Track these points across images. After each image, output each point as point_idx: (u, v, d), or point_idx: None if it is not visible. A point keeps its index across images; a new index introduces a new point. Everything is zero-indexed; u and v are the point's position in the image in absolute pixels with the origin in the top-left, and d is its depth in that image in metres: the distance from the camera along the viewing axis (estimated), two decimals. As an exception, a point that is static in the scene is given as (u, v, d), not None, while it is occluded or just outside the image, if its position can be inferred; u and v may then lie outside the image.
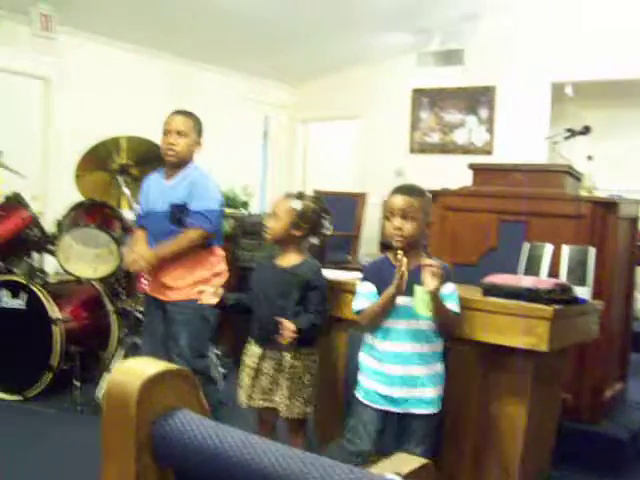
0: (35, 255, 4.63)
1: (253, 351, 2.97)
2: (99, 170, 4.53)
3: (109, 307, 4.66)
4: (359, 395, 2.67)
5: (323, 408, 3.03)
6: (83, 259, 4.47)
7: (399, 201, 2.60)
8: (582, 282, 2.96)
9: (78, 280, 4.58)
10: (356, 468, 0.92)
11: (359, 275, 2.83)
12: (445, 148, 8.00)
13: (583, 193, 3.90)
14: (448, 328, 2.58)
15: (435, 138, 8.08)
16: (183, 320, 3.53)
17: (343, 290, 2.97)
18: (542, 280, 2.79)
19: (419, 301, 2.52)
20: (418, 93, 8.16)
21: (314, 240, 3.04)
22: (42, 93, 6.38)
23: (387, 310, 2.56)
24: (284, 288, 2.89)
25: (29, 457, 3.42)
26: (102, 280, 4.64)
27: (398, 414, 2.58)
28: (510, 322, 2.58)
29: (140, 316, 4.52)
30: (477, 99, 7.78)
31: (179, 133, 3.54)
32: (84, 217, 4.57)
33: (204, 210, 3.50)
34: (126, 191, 4.40)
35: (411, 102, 8.20)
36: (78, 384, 4.20)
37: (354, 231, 7.07)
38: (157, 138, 3.71)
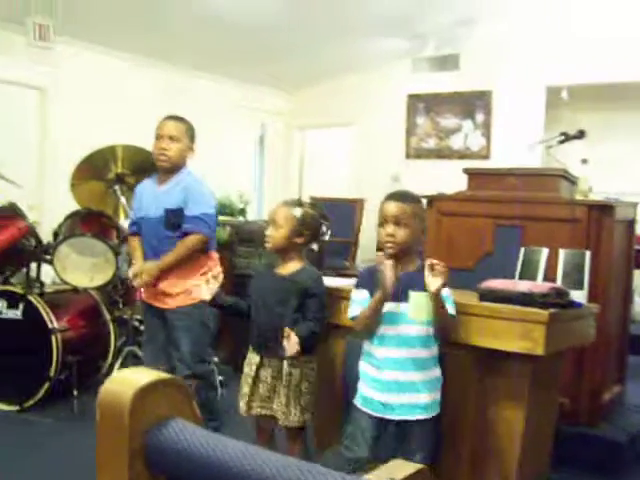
0: (32, 265, 4.63)
1: (252, 359, 2.97)
2: (95, 179, 4.54)
3: (107, 316, 4.66)
4: (357, 402, 2.67)
5: (321, 415, 3.03)
6: (80, 268, 4.47)
7: (392, 208, 2.60)
8: (578, 286, 2.97)
9: (75, 289, 4.58)
10: (350, 476, 0.92)
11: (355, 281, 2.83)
12: (441, 153, 8.00)
13: (579, 197, 3.90)
14: (446, 331, 2.58)
15: (431, 143, 8.09)
16: (183, 326, 3.54)
17: (340, 297, 2.96)
18: (538, 284, 2.79)
19: (414, 306, 2.53)
20: (414, 98, 8.17)
21: (314, 246, 3.04)
22: (38, 103, 6.39)
23: (378, 315, 2.56)
24: (283, 295, 2.89)
25: (26, 467, 3.41)
26: (99, 289, 4.65)
27: (395, 420, 2.58)
28: (506, 326, 2.58)
29: (138, 325, 4.53)
30: (473, 104, 7.79)
31: (171, 138, 3.55)
32: (80, 226, 4.57)
33: (201, 214, 3.52)
34: (122, 200, 4.41)
35: (407, 108, 8.21)
36: (76, 393, 4.19)
37: (352, 237, 7.07)
38: (153, 144, 3.71)
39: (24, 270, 4.54)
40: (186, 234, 3.52)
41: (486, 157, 7.61)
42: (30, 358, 4.24)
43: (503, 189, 3.78)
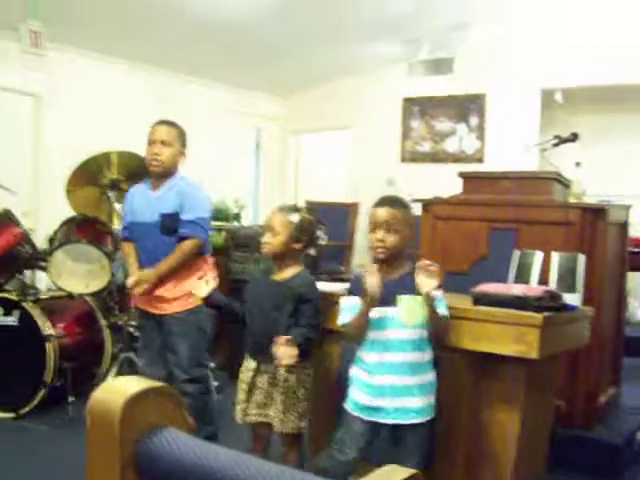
0: (27, 272, 4.63)
1: (248, 366, 2.97)
2: (90, 185, 4.54)
3: (102, 322, 4.65)
4: (348, 407, 2.67)
5: (317, 421, 3.03)
6: (75, 275, 4.47)
7: (382, 213, 2.61)
8: (572, 289, 2.97)
9: (70, 296, 4.58)
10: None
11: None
12: (436, 157, 8.01)
13: (572, 200, 3.91)
14: (440, 333, 2.59)
15: (426, 147, 8.10)
16: (180, 332, 3.54)
17: (335, 302, 2.96)
18: (532, 288, 2.80)
19: (407, 310, 2.53)
20: (408, 102, 8.18)
21: (311, 251, 3.05)
22: (32, 109, 6.39)
23: (366, 321, 2.56)
24: (278, 301, 2.89)
25: (21, 474, 3.40)
26: (94, 295, 4.64)
27: (389, 425, 2.58)
28: (500, 330, 2.58)
29: (133, 331, 4.52)
30: (467, 107, 7.80)
31: (163, 143, 3.55)
32: (75, 232, 4.57)
33: (196, 219, 3.53)
34: (117, 206, 4.41)
35: (402, 111, 8.22)
36: (71, 399, 4.18)
37: (347, 241, 7.08)
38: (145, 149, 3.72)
39: (19, 277, 4.54)
40: (182, 239, 3.52)
41: (480, 160, 7.62)
42: (25, 365, 4.23)
43: (497, 192, 3.78)
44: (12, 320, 4.25)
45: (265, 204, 8.58)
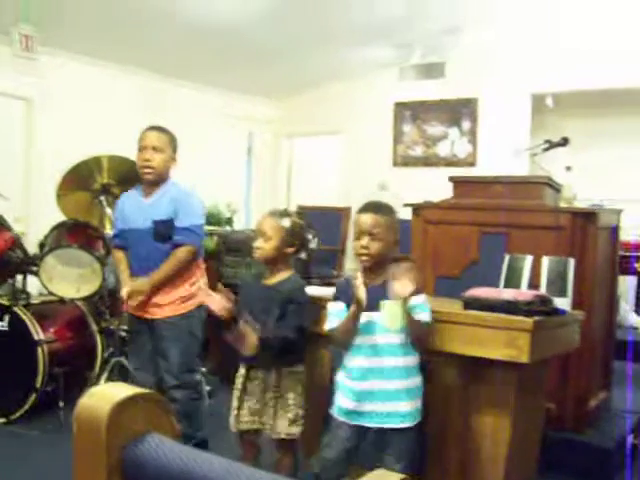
0: (18, 276, 4.61)
1: (240, 372, 2.97)
2: (81, 190, 4.53)
3: (93, 327, 4.64)
4: (334, 412, 2.67)
5: (309, 426, 3.02)
6: (66, 279, 4.46)
7: (366, 220, 2.62)
8: (562, 293, 2.98)
9: (61, 300, 4.56)
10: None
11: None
12: (428, 161, 8.03)
13: (563, 204, 3.93)
14: (421, 338, 2.58)
15: (418, 151, 8.12)
16: (172, 336, 3.52)
17: (324, 306, 2.96)
18: (522, 292, 2.80)
19: (389, 315, 2.54)
20: (400, 106, 8.19)
21: (302, 255, 3.05)
22: (24, 114, 6.37)
23: (354, 328, 2.57)
24: (266, 304, 2.88)
25: (13, 480, 3.39)
26: (86, 300, 4.63)
27: (375, 429, 2.58)
28: (491, 335, 2.59)
29: (125, 335, 4.51)
30: (459, 111, 7.82)
31: (155, 149, 3.53)
32: (66, 237, 4.56)
33: (191, 225, 3.52)
34: (108, 211, 4.40)
35: (393, 115, 8.24)
36: (62, 404, 4.17)
37: (339, 245, 7.09)
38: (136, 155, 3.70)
39: (10, 281, 4.53)
40: (176, 245, 3.51)
41: (472, 164, 7.64)
42: (16, 370, 4.22)
43: (488, 197, 3.79)
44: (2, 325, 4.24)
45: (257, 208, 8.57)
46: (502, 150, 6.96)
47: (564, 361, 3.45)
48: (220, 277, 5.18)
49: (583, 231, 3.52)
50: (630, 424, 3.87)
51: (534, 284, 3.02)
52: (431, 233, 3.89)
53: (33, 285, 4.73)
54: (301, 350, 2.94)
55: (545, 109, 7.35)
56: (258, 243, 2.94)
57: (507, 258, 3.14)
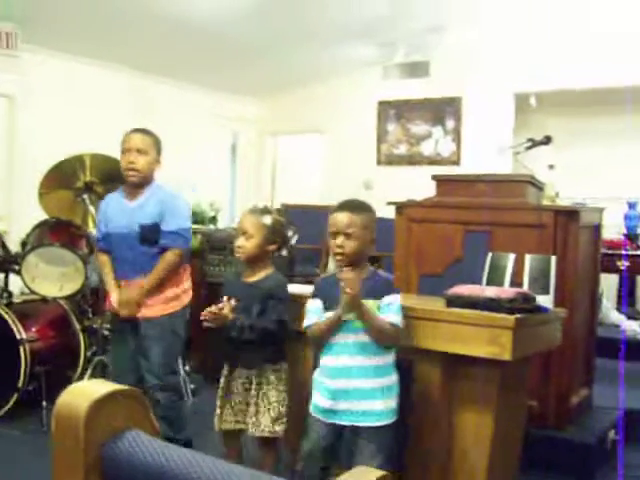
0: (0, 275, 4.58)
1: (224, 371, 2.96)
2: (63, 188, 4.50)
3: (76, 326, 4.61)
4: (311, 410, 2.68)
5: (291, 423, 3.02)
6: (48, 278, 4.43)
7: (342, 219, 2.61)
8: (545, 291, 2.99)
9: (44, 299, 4.54)
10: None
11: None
12: (412, 160, 8.05)
13: (546, 202, 3.94)
14: (384, 339, 2.56)
15: (402, 150, 8.13)
16: (155, 336, 3.50)
17: (305, 304, 2.96)
18: (505, 290, 2.81)
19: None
20: (384, 105, 8.21)
21: (283, 252, 3.05)
22: (6, 111, 6.33)
23: (333, 329, 2.58)
24: (247, 302, 2.88)
25: (-6, 480, 3.37)
26: (68, 298, 4.60)
27: (351, 427, 2.58)
28: (473, 332, 2.59)
29: (108, 334, 4.49)
30: (443, 110, 7.85)
31: (139, 151, 3.49)
32: (49, 236, 4.53)
33: (179, 229, 3.49)
34: (91, 209, 4.37)
35: (377, 114, 8.25)
36: (45, 404, 4.14)
37: (323, 244, 7.07)
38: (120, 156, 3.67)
39: (-8, 280, 4.50)
40: (164, 249, 3.49)
41: (456, 163, 7.67)
42: (-2, 369, 4.19)
43: (471, 195, 3.80)
44: (-16, 324, 4.20)
45: (241, 207, 8.55)
46: (486, 149, 6.99)
47: (546, 358, 3.47)
48: (204, 276, 5.17)
49: (565, 229, 3.54)
50: (611, 420, 3.90)
51: (517, 282, 3.03)
52: (415, 231, 3.89)
53: (15, 284, 4.70)
54: (281, 343, 2.94)
55: (528, 108, 7.38)
56: (240, 242, 2.94)
57: (490, 256, 3.15)
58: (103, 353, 4.44)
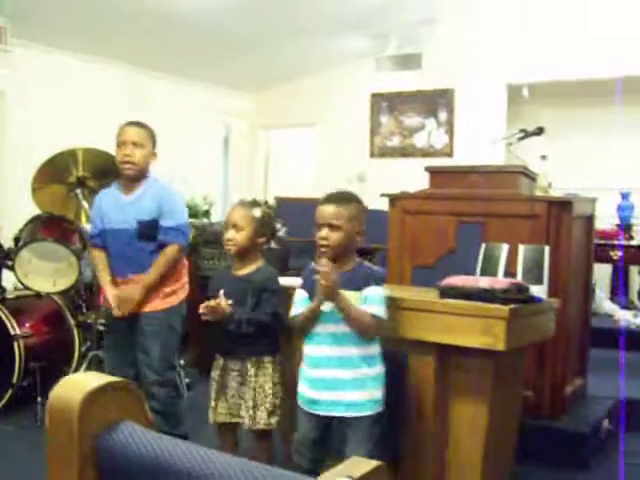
0: (-7, 271, 4.57)
1: (216, 364, 2.96)
2: (56, 183, 4.48)
3: (70, 321, 4.60)
4: (298, 400, 2.69)
5: (286, 416, 3.03)
6: (42, 273, 4.43)
7: (327, 210, 2.61)
8: (538, 281, 3.00)
9: (38, 295, 4.52)
10: (307, 477, 0.93)
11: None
12: (405, 152, 8.05)
13: (538, 193, 3.95)
14: (363, 329, 2.55)
15: (395, 142, 8.13)
16: (152, 331, 3.48)
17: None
18: (498, 280, 2.82)
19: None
20: (377, 97, 8.20)
21: (272, 244, 3.04)
22: (-3, 106, 6.31)
23: (314, 319, 2.58)
24: (239, 295, 2.88)
25: (-11, 475, 3.36)
26: (62, 294, 4.59)
27: (337, 418, 2.58)
28: (467, 323, 2.60)
29: (102, 329, 4.48)
30: (436, 102, 7.85)
31: (134, 144, 3.45)
32: (42, 231, 4.51)
33: (177, 225, 3.48)
34: (84, 204, 4.36)
35: (370, 106, 8.25)
36: (39, 399, 4.14)
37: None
38: (114, 149, 3.64)
39: (-15, 276, 4.48)
40: (162, 245, 3.48)
41: (449, 155, 7.68)
42: (-8, 365, 4.18)
43: (465, 187, 3.80)
44: (-22, 320, 4.19)
45: (234, 200, 8.53)
46: (478, 140, 7.00)
47: (540, 349, 3.48)
48: (197, 269, 5.16)
49: (558, 220, 3.55)
50: (605, 409, 3.92)
51: (510, 272, 3.04)
52: (408, 223, 3.89)
53: (9, 279, 4.69)
54: (276, 336, 2.94)
55: (521, 99, 7.39)
56: (230, 234, 2.93)
57: (483, 247, 3.16)
58: (98, 348, 4.43)
